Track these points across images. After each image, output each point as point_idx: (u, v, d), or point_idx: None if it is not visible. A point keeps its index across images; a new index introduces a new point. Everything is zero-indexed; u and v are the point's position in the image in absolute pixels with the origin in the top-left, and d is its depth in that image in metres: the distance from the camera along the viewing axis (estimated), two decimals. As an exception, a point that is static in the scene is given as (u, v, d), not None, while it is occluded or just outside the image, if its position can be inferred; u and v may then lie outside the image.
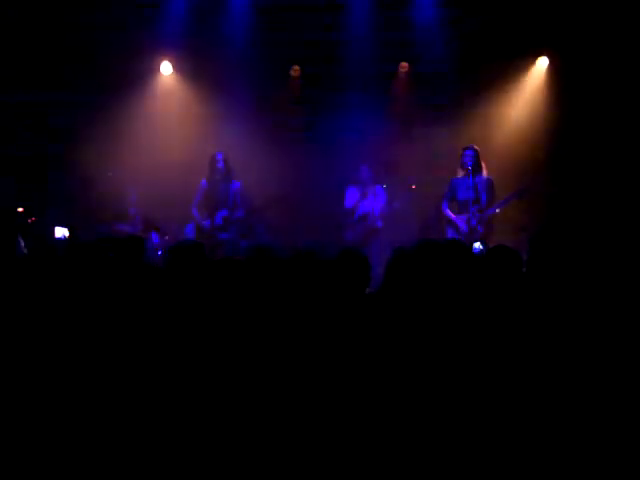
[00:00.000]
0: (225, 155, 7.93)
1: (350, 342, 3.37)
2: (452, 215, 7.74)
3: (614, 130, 8.46)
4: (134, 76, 8.90)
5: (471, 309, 3.60)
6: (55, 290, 3.67)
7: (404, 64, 9.16)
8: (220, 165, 7.87)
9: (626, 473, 3.02)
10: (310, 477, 3.04)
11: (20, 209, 7.60)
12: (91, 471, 3.01)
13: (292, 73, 9.25)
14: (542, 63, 8.92)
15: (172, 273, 3.92)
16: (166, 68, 9.15)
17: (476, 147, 7.69)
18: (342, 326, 3.43)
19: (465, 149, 7.68)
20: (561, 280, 3.91)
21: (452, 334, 3.42)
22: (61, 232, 7.56)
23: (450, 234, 7.65)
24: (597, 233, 7.45)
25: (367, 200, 8.24)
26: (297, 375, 3.23)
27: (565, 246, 4.27)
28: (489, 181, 7.69)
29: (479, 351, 3.34)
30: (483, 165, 7.67)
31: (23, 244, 4.68)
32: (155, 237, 7.79)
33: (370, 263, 4.13)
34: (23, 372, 3.21)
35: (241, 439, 3.08)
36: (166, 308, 3.61)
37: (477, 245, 5.80)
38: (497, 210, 7.59)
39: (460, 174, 7.71)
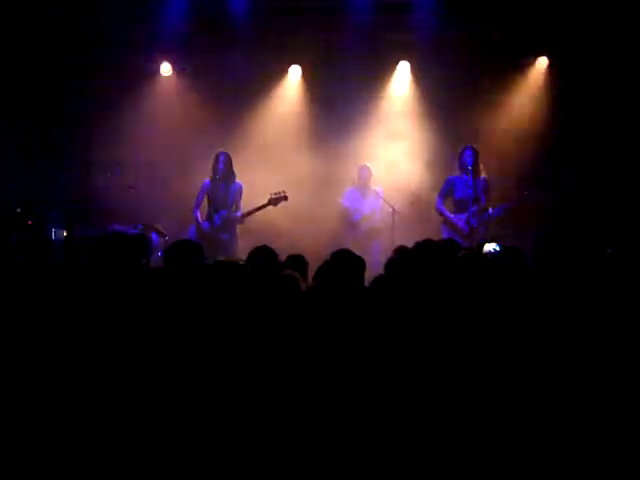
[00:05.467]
0: (226, 156, 7.93)
1: (348, 340, 3.37)
2: (449, 214, 7.73)
3: (614, 130, 8.46)
4: (134, 76, 8.90)
5: (472, 308, 3.60)
6: (54, 291, 3.67)
7: (404, 64, 9.15)
8: (221, 166, 7.87)
9: (626, 473, 3.02)
10: (310, 476, 3.04)
11: (18, 210, 7.60)
12: (91, 471, 3.01)
13: (292, 73, 9.24)
14: (542, 63, 8.91)
15: (170, 272, 3.91)
16: (166, 69, 9.15)
17: (475, 147, 7.69)
18: (339, 325, 3.43)
19: (465, 148, 7.67)
20: (564, 280, 3.92)
21: (450, 332, 3.42)
22: (59, 233, 7.56)
23: (446, 233, 7.63)
24: (599, 234, 7.45)
25: (367, 201, 8.24)
26: (295, 373, 3.23)
27: (569, 248, 4.28)
28: (486, 182, 7.69)
29: (477, 348, 3.34)
30: (481, 165, 7.67)
31: (15, 241, 4.66)
32: (155, 238, 7.79)
33: (367, 263, 4.13)
34: (24, 373, 3.21)
35: (240, 438, 3.07)
36: (164, 309, 3.61)
37: (492, 246, 5.75)
38: (500, 213, 7.59)
39: (457, 172, 7.71)
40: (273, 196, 7.83)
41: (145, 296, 3.79)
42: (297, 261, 4.86)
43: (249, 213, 7.86)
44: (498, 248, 5.65)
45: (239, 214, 7.86)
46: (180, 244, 4.19)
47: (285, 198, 7.85)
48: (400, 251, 4.80)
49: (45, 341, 3.31)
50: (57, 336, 3.33)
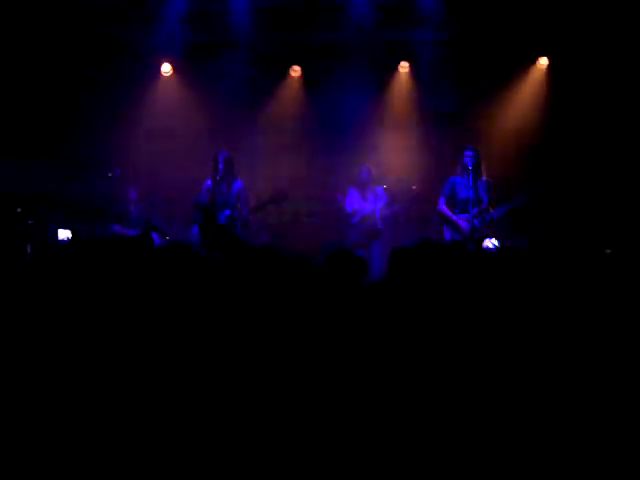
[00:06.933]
0: (227, 155, 7.93)
1: (347, 340, 3.38)
2: (451, 214, 7.73)
3: (615, 130, 8.47)
4: (134, 76, 8.91)
5: (472, 308, 3.61)
6: (58, 291, 3.67)
7: (404, 64, 9.16)
8: (221, 165, 7.86)
9: (626, 473, 3.02)
10: (310, 476, 3.04)
11: (18, 210, 7.60)
12: (91, 471, 3.02)
13: (292, 73, 9.25)
14: (542, 63, 8.93)
15: (165, 273, 3.91)
16: (166, 69, 9.15)
17: (476, 147, 7.69)
18: (337, 325, 3.43)
19: (465, 149, 7.66)
20: (563, 279, 3.92)
21: (451, 333, 3.42)
22: (64, 234, 7.56)
23: (448, 234, 7.64)
24: (600, 233, 7.46)
25: (368, 201, 8.24)
26: (294, 375, 3.23)
27: (570, 247, 4.29)
28: (489, 183, 7.68)
29: (477, 348, 3.35)
30: (483, 166, 7.66)
31: (29, 250, 4.68)
32: (155, 238, 7.79)
33: (369, 264, 4.14)
34: (26, 373, 3.22)
35: (238, 439, 3.08)
36: (166, 308, 3.61)
37: (492, 242, 5.78)
38: (502, 213, 7.60)
39: (459, 173, 7.70)
40: (273, 195, 7.84)
41: (147, 294, 3.80)
42: (304, 262, 4.86)
43: (250, 213, 7.87)
44: (497, 244, 5.67)
45: (245, 213, 7.85)
46: (176, 246, 4.17)
47: (286, 197, 7.84)
48: (397, 252, 4.79)
49: (49, 340, 3.32)
50: (59, 336, 3.34)
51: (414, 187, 8.62)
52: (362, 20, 8.73)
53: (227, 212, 7.81)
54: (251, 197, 7.99)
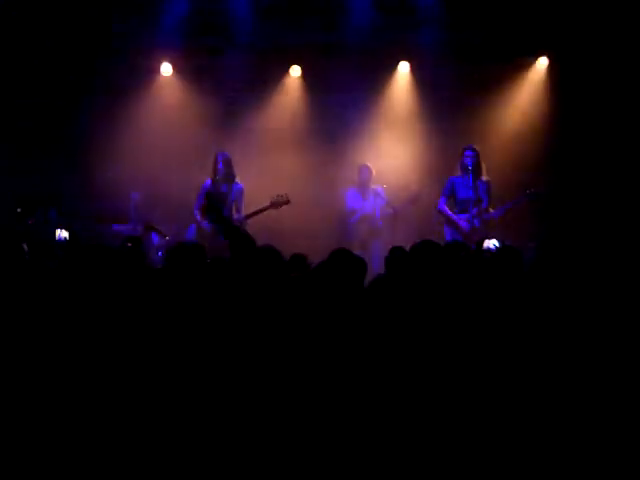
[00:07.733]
0: (226, 156, 7.92)
1: (346, 340, 3.37)
2: (451, 214, 7.73)
3: (615, 129, 8.47)
4: (135, 77, 8.90)
5: (470, 307, 3.61)
6: (57, 293, 3.67)
7: (404, 64, 9.15)
8: (220, 166, 7.85)
9: (626, 473, 3.02)
10: (309, 476, 3.04)
11: (18, 210, 7.60)
12: (91, 471, 3.01)
13: (292, 73, 9.25)
14: (542, 63, 8.92)
15: (171, 274, 3.92)
16: (166, 69, 9.15)
17: (476, 147, 7.68)
18: (337, 324, 3.43)
19: (465, 149, 7.66)
20: (561, 279, 3.92)
21: (448, 332, 3.42)
22: (62, 234, 7.56)
23: (449, 234, 7.63)
24: (599, 234, 7.45)
25: (368, 201, 8.22)
26: (292, 375, 3.23)
27: (570, 249, 4.29)
28: (488, 183, 7.68)
29: (475, 348, 3.34)
30: (483, 166, 7.66)
31: (27, 249, 4.67)
32: (155, 238, 7.78)
33: (367, 264, 4.13)
34: (28, 373, 3.22)
35: (239, 437, 3.08)
36: (165, 309, 3.61)
37: (492, 242, 5.80)
38: (502, 213, 7.59)
39: (459, 173, 7.70)
40: (275, 199, 7.80)
41: (146, 297, 3.80)
42: (300, 261, 4.86)
43: (250, 216, 7.84)
44: (498, 244, 5.69)
45: (242, 216, 7.83)
46: (182, 247, 4.17)
47: (287, 202, 7.80)
48: (396, 252, 4.78)
49: (49, 341, 3.31)
50: (60, 336, 3.33)
51: (414, 187, 8.61)
52: (362, 20, 8.73)
53: (225, 213, 7.78)
54: (251, 197, 7.98)
